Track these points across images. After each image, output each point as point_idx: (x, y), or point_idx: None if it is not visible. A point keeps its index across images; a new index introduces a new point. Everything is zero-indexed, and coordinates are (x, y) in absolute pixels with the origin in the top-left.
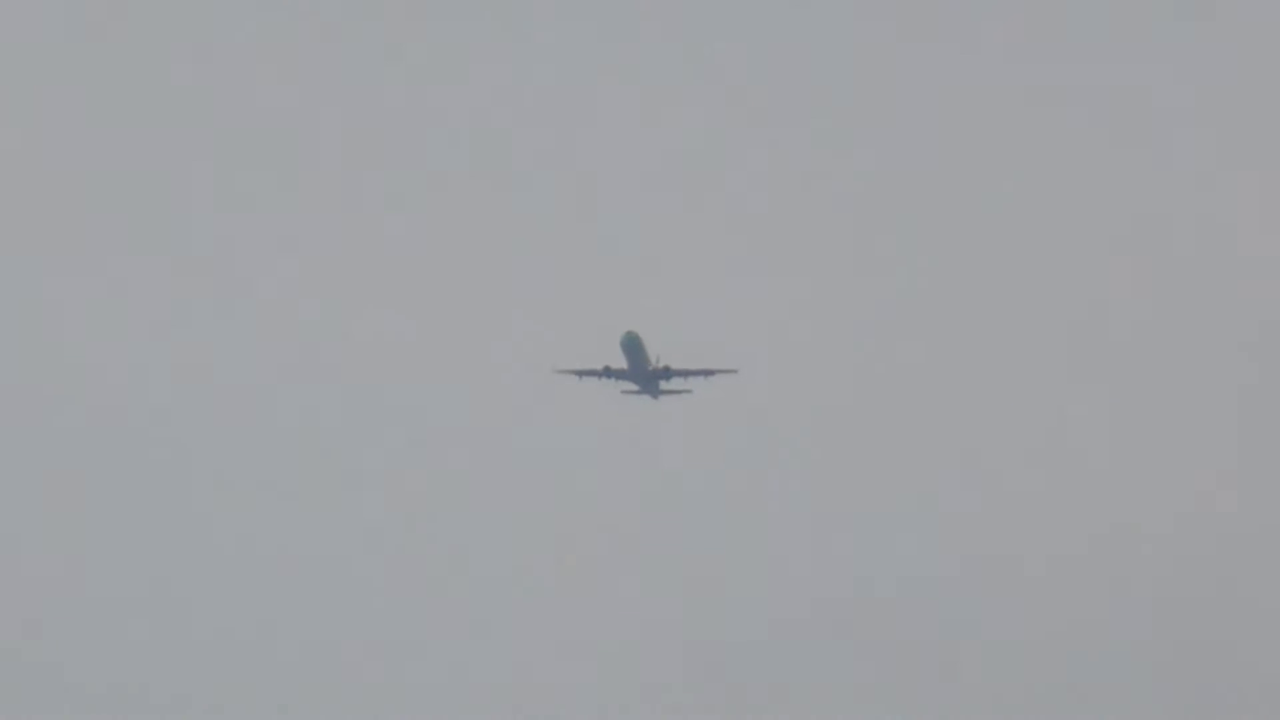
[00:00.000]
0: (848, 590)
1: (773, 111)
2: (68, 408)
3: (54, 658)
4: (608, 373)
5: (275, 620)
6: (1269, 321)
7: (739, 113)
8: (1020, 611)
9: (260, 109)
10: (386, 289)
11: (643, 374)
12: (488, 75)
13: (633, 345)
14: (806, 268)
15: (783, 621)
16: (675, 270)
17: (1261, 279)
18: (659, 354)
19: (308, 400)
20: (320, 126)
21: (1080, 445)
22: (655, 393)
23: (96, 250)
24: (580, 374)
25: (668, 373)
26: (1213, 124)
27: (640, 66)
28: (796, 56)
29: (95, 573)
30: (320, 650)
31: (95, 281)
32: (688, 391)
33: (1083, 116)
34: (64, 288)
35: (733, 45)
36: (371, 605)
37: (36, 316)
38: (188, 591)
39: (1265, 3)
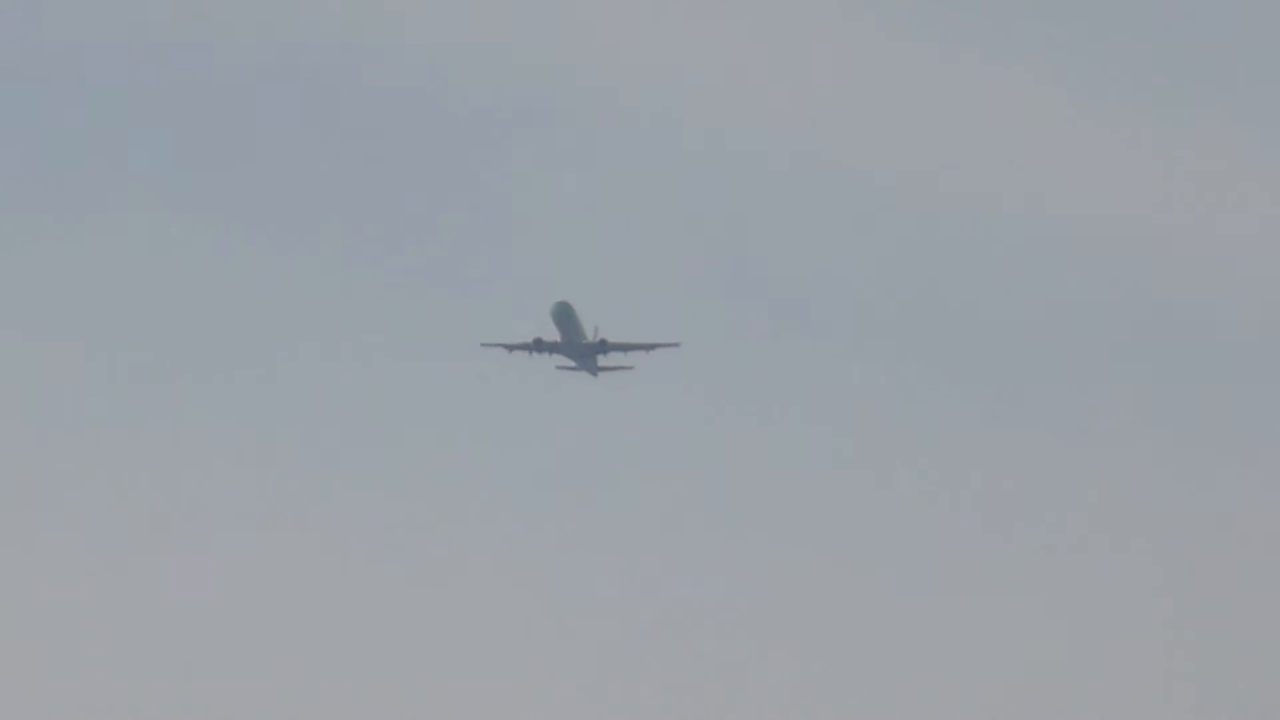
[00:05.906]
0: None
1: None
2: None
3: None
4: (539, 346)
5: None
6: None
7: None
8: None
9: None
10: None
11: (578, 348)
12: None
13: (565, 316)
14: None
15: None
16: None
17: None
18: (596, 325)
19: None
20: None
21: None
22: (593, 369)
23: None
24: (509, 348)
25: (605, 346)
26: None
27: None
28: None
29: None
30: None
31: None
32: (629, 367)
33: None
34: None
35: None
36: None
37: None
38: None
39: None
